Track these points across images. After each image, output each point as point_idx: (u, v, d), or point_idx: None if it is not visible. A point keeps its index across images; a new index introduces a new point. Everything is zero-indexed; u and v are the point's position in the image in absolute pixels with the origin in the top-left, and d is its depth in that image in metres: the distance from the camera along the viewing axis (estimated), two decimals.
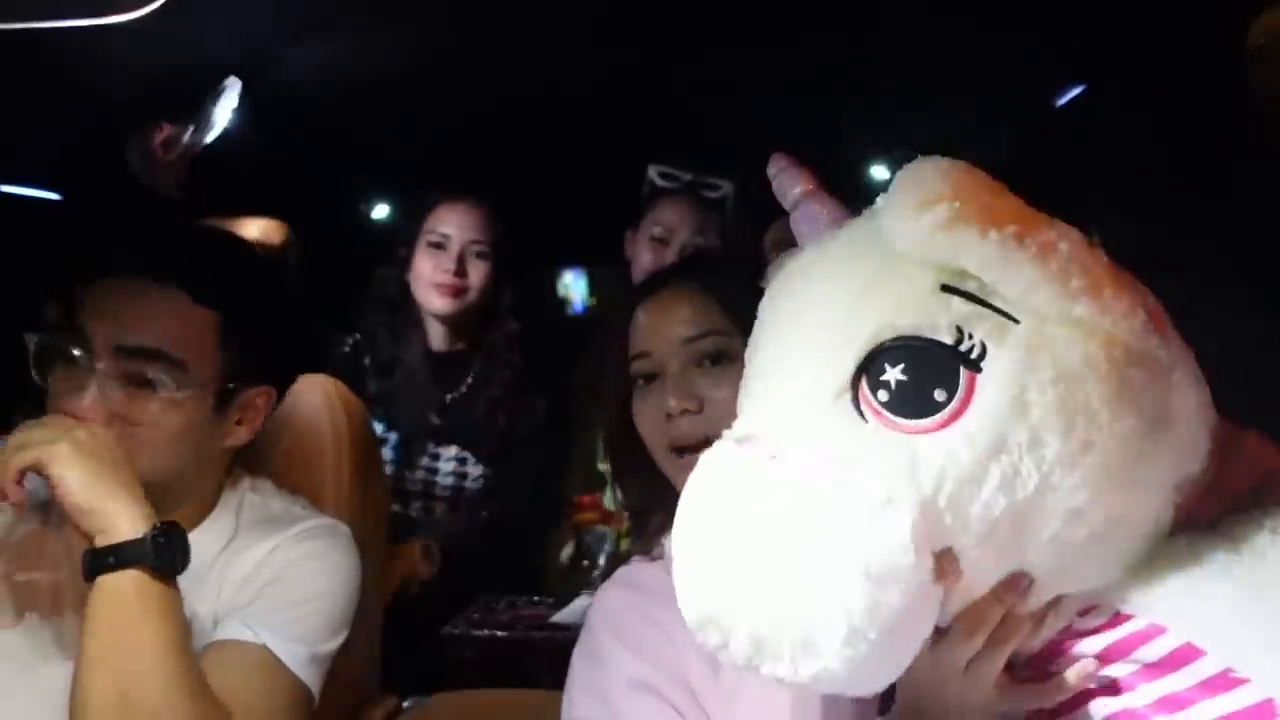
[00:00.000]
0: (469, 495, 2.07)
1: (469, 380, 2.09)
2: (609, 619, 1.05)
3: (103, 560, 0.95)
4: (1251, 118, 1.32)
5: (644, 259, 2.00)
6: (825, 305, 0.68)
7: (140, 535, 0.95)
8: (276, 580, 1.09)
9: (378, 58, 1.63)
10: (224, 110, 1.64)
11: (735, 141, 2.07)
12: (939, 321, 0.62)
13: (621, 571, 1.11)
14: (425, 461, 2.06)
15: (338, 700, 1.16)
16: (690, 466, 1.00)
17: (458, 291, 2.02)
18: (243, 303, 1.11)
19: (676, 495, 1.08)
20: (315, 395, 1.33)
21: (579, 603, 1.74)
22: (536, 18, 1.50)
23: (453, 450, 2.07)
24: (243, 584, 1.09)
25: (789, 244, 0.79)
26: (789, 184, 0.77)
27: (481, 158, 2.14)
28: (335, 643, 1.12)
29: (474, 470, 2.07)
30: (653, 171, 2.06)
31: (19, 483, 0.95)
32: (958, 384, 0.61)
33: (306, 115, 1.70)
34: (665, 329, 1.05)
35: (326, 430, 1.32)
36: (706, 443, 0.99)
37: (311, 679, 1.08)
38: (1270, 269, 1.27)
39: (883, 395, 0.63)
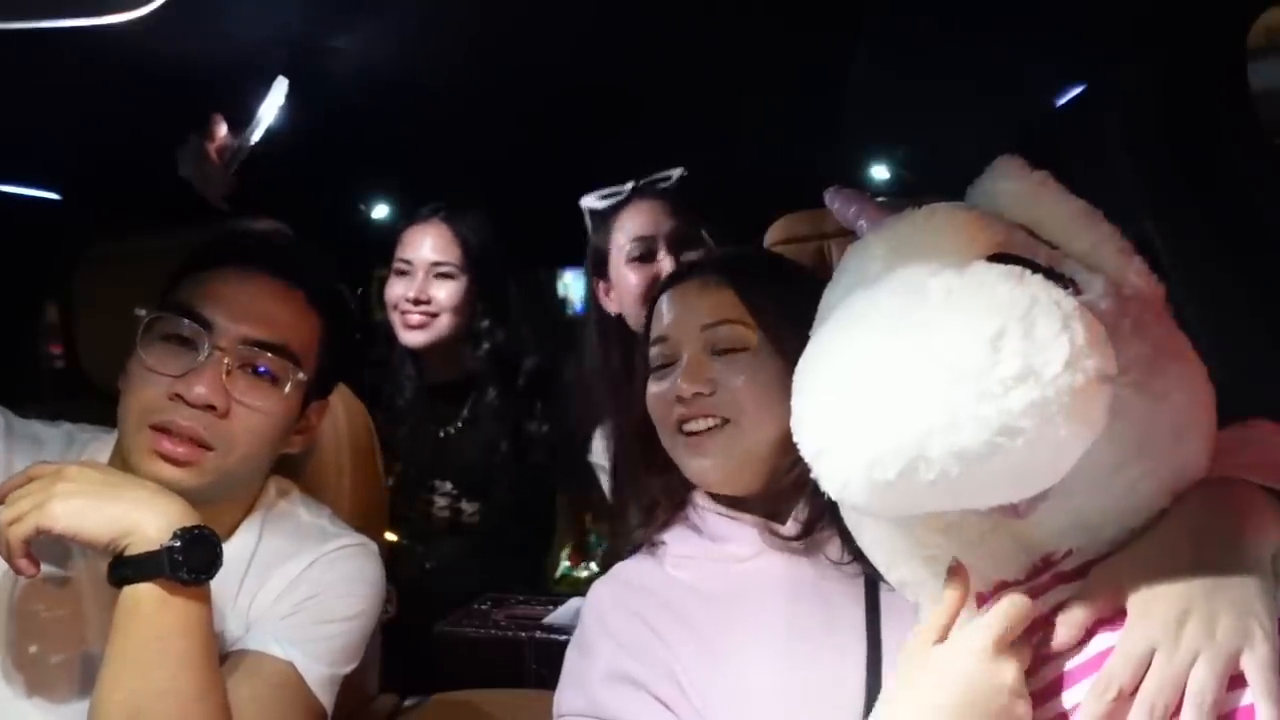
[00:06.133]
0: (465, 525, 2.04)
1: (464, 415, 2.03)
2: (598, 612, 1.07)
3: (121, 571, 0.93)
4: (1251, 118, 1.32)
5: (631, 282, 1.75)
6: (936, 235, 0.78)
7: (158, 546, 0.92)
8: (314, 598, 1.09)
9: (378, 58, 1.63)
10: (270, 108, 1.62)
11: (736, 140, 2.09)
12: (1038, 252, 0.77)
13: (619, 567, 1.13)
14: (422, 494, 2.02)
15: (338, 700, 1.16)
16: (696, 445, 1.06)
17: (423, 322, 1.94)
18: (339, 314, 1.15)
19: (687, 492, 1.11)
20: None
21: (573, 603, 1.74)
22: (537, 18, 1.50)
23: (447, 485, 2.03)
24: (279, 597, 1.09)
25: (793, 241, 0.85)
26: (848, 213, 0.90)
27: (481, 158, 2.14)
28: (354, 665, 1.13)
29: (468, 507, 2.03)
30: (588, 201, 1.87)
31: (28, 557, 0.93)
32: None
33: (306, 115, 1.70)
34: (684, 316, 1.09)
35: (327, 431, 1.32)
36: (715, 425, 1.03)
37: (328, 700, 1.09)
38: (1270, 268, 1.27)
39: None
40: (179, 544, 0.92)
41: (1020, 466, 0.64)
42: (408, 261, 1.97)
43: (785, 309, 1.04)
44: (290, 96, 1.62)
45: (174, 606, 0.92)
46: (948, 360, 0.63)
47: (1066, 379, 0.62)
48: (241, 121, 1.66)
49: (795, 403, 0.73)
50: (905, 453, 0.63)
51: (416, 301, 1.94)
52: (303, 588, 1.09)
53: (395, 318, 1.98)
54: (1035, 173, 0.83)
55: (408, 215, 2.07)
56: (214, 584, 0.98)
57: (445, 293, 1.96)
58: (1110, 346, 0.66)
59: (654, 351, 1.11)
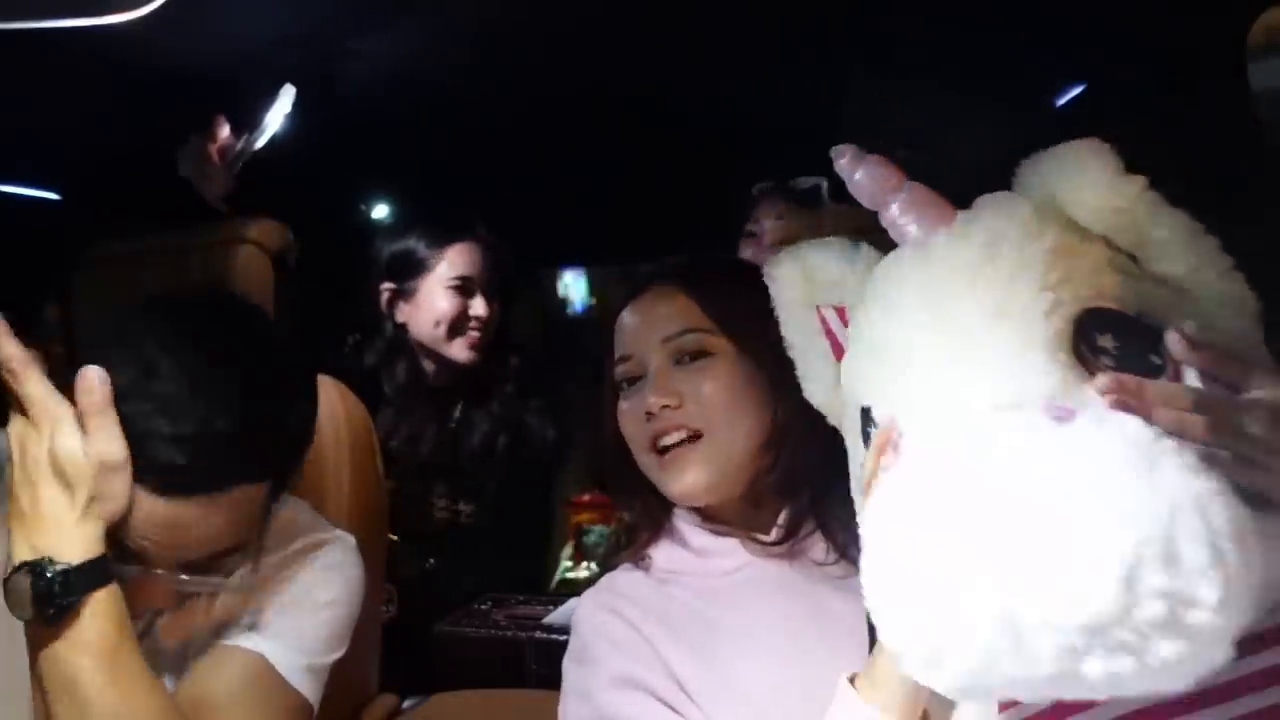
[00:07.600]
0: (464, 525, 2.04)
1: (463, 418, 2.03)
2: (592, 621, 1.06)
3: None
4: (1251, 118, 1.32)
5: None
6: (1006, 284, 0.65)
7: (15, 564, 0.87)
8: (283, 592, 1.08)
9: (379, 59, 1.63)
10: (276, 115, 1.62)
11: (734, 141, 2.09)
12: (1126, 296, 0.65)
13: (606, 579, 1.12)
14: (421, 494, 2.02)
15: (338, 700, 1.16)
16: (672, 462, 1.04)
17: (483, 340, 1.96)
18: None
19: (667, 513, 1.10)
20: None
21: (573, 603, 1.74)
22: (537, 18, 1.50)
23: (446, 486, 2.03)
24: (246, 595, 1.07)
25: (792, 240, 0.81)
26: (877, 181, 0.74)
27: (482, 157, 2.13)
28: (336, 655, 1.12)
29: (466, 508, 2.03)
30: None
31: None
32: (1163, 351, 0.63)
33: (307, 116, 1.70)
34: (645, 330, 1.08)
35: (327, 432, 1.32)
36: (687, 438, 1.02)
37: (310, 690, 1.07)
38: (1270, 269, 1.27)
39: (1107, 361, 0.62)
40: (26, 570, 0.87)
41: (1154, 682, 0.53)
42: (467, 278, 1.96)
43: (748, 311, 1.01)
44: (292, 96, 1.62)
45: (43, 631, 0.88)
46: (1066, 596, 0.50)
47: (1221, 624, 0.50)
48: (243, 121, 1.65)
49: (876, 581, 0.61)
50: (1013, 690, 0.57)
51: (483, 321, 1.95)
52: (271, 582, 1.08)
53: (447, 335, 1.95)
54: (1134, 176, 0.70)
55: (425, 224, 2.04)
56: (184, 591, 0.96)
57: (489, 311, 1.98)
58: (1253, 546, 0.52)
59: (620, 370, 1.09)
